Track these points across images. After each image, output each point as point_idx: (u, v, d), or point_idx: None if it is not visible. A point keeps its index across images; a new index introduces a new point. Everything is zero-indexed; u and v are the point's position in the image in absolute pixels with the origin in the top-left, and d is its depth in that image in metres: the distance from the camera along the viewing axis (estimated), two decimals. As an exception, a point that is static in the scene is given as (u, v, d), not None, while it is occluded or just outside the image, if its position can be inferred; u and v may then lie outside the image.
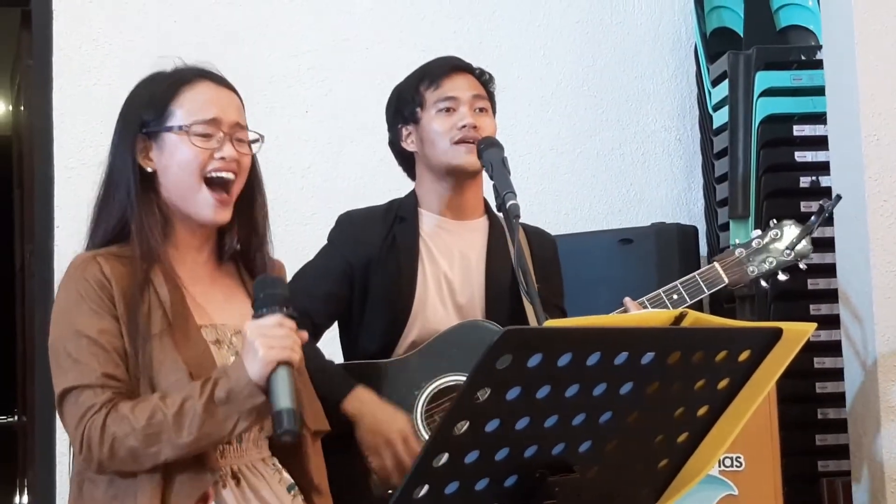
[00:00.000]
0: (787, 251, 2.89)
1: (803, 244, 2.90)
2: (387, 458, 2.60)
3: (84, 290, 2.08)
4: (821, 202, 2.91)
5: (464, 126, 2.71)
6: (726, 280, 2.87)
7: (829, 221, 3.42)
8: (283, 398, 1.96)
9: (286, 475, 2.21)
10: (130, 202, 2.15)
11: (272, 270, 2.25)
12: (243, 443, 2.15)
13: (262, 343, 1.98)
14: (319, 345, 2.72)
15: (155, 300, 2.11)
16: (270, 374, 1.98)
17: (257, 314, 2.04)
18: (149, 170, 2.17)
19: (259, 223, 2.26)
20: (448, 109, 2.74)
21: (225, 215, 2.19)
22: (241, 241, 2.26)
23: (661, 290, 2.81)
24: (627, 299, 2.75)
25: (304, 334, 2.06)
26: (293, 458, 2.21)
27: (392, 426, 2.61)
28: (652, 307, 2.77)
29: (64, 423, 2.09)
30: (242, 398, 1.98)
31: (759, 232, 2.94)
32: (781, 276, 2.91)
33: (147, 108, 2.18)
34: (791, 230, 2.90)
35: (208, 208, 2.16)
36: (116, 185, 2.18)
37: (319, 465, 2.25)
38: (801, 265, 2.93)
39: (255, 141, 2.22)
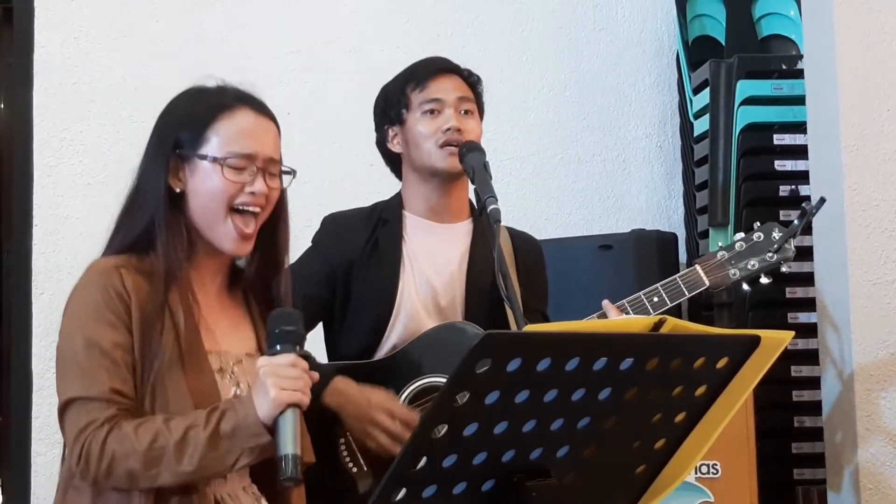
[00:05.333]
0: (770, 254, 2.88)
1: (786, 247, 2.89)
2: (379, 437, 2.60)
3: (104, 299, 2.05)
4: (804, 204, 2.90)
5: (448, 129, 2.71)
6: (707, 283, 2.86)
7: (807, 230, 3.43)
8: (289, 443, 1.96)
9: (265, 503, 2.21)
10: (159, 220, 2.12)
11: (284, 301, 2.23)
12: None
13: (273, 383, 1.97)
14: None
15: (169, 322, 2.08)
16: (278, 415, 1.97)
17: (271, 351, 2.03)
18: (177, 190, 2.15)
19: (280, 252, 2.25)
20: (433, 111, 2.74)
21: (246, 248, 2.17)
22: (258, 266, 2.24)
23: (641, 293, 2.81)
24: (606, 302, 2.75)
25: (316, 375, 2.06)
26: (275, 486, 2.21)
27: (371, 405, 2.61)
28: (632, 309, 2.77)
29: (64, 432, 2.06)
30: (248, 436, 1.98)
31: (741, 234, 2.93)
32: (763, 280, 2.89)
33: (184, 129, 2.15)
34: (774, 233, 2.90)
35: (230, 241, 2.15)
36: (144, 199, 2.15)
37: (301, 494, 2.23)
38: (784, 268, 2.92)
39: (287, 173, 2.21)
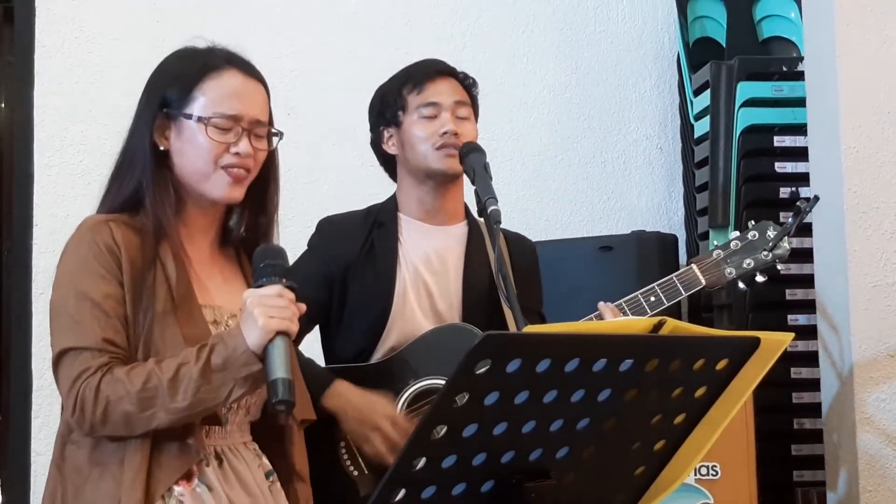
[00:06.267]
0: (765, 252, 2.89)
1: (781, 245, 2.90)
2: (378, 443, 2.61)
3: (94, 252, 2.07)
4: (798, 203, 2.91)
5: (445, 133, 2.71)
6: (703, 282, 2.86)
7: (807, 232, 3.44)
8: (280, 368, 1.96)
9: (265, 461, 2.22)
10: (146, 179, 2.14)
11: None
12: (228, 425, 2.16)
13: (261, 312, 1.98)
14: (301, 347, 2.71)
15: (161, 275, 2.11)
16: (268, 343, 1.98)
17: (257, 283, 2.04)
18: (162, 148, 2.17)
19: (269, 209, 2.27)
20: (430, 115, 2.74)
21: (239, 193, 2.18)
22: (248, 224, 2.26)
23: (638, 293, 2.81)
24: (601, 304, 2.75)
25: (303, 306, 2.06)
26: (277, 444, 2.23)
27: (375, 411, 2.62)
28: (629, 309, 2.77)
29: (58, 383, 2.08)
30: (238, 366, 1.99)
31: (737, 233, 2.94)
32: (759, 278, 2.90)
33: (172, 88, 2.17)
34: (769, 231, 2.91)
35: (223, 187, 2.15)
36: (133, 159, 2.17)
37: (302, 453, 2.26)
38: (780, 266, 2.93)
39: (275, 135, 2.23)
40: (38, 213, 4.10)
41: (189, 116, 2.15)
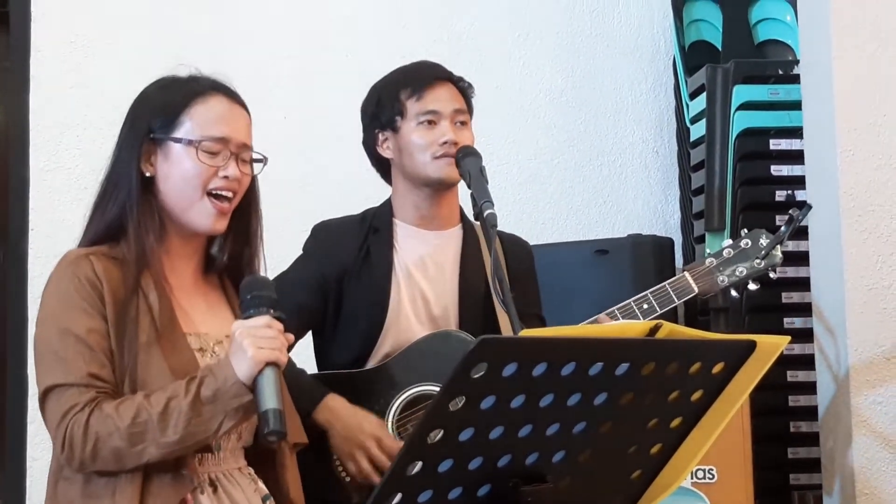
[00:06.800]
0: (758, 260, 2.90)
1: (774, 253, 2.92)
2: (362, 462, 2.59)
3: (75, 286, 2.06)
4: (790, 211, 2.92)
5: (445, 142, 2.69)
6: (696, 289, 2.87)
7: (803, 235, 3.44)
8: (270, 399, 1.97)
9: (261, 485, 2.21)
10: (130, 205, 2.13)
11: None
12: (221, 451, 2.14)
13: (250, 343, 1.98)
14: (293, 354, 2.71)
15: (143, 305, 2.10)
16: (258, 374, 1.98)
17: (245, 315, 2.04)
18: (147, 174, 2.16)
19: (253, 240, 2.26)
20: (429, 122, 2.72)
21: (222, 224, 2.18)
22: (232, 253, 2.25)
23: (631, 300, 2.81)
24: (601, 316, 2.76)
25: (291, 336, 2.07)
26: (270, 469, 2.21)
27: (363, 430, 2.61)
28: (622, 316, 2.78)
29: (46, 420, 2.07)
30: (229, 397, 1.98)
31: (730, 241, 2.95)
32: (752, 286, 2.92)
33: (158, 115, 2.17)
34: (762, 240, 2.92)
35: (208, 217, 2.16)
36: (116, 185, 2.16)
37: (295, 477, 2.25)
38: (772, 274, 2.94)
39: (259, 161, 2.22)
40: (33, 217, 4.10)
41: (178, 140, 2.14)
